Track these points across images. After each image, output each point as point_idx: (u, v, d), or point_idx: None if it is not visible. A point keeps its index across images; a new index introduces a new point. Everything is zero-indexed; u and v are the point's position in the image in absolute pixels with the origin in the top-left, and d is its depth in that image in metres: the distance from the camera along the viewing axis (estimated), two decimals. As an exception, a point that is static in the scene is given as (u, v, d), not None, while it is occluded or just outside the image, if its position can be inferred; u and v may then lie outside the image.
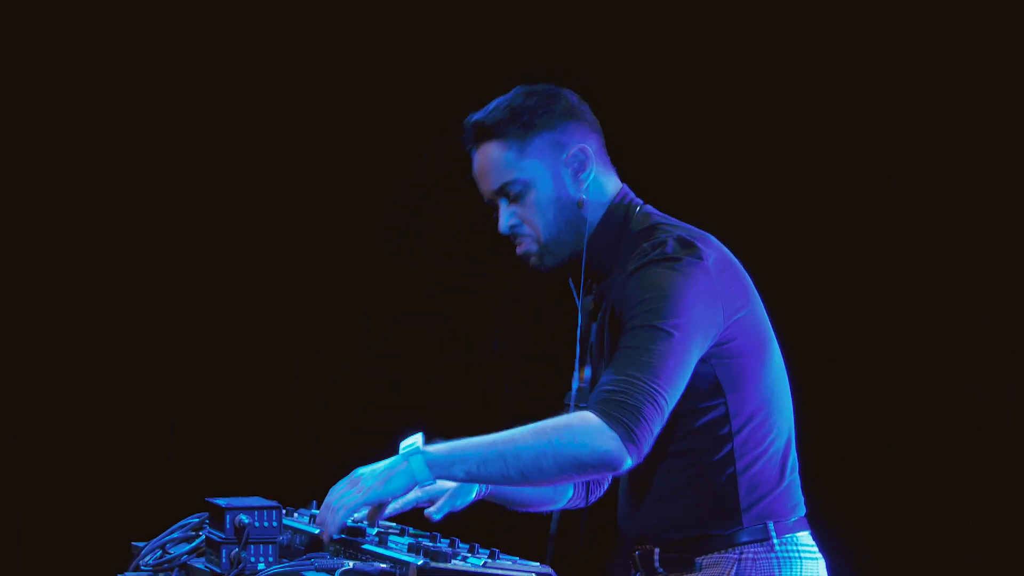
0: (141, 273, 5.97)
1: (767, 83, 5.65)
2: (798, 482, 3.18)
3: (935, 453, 5.55)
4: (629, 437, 2.91)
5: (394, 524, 3.15)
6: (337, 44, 5.98)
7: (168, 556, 3.14)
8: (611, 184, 3.23)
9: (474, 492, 3.32)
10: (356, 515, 2.98)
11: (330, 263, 6.06)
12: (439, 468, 2.96)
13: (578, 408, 3.06)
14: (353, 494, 2.94)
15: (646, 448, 2.94)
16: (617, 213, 3.20)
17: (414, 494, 3.19)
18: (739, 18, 5.67)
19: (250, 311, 6.04)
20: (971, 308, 5.53)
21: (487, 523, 3.76)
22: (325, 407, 6.10)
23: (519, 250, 3.22)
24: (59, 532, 5.95)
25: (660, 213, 3.22)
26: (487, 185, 3.21)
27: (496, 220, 3.22)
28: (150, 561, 3.16)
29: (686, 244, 3.07)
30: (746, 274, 3.16)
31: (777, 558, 3.11)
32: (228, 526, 2.92)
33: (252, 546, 2.91)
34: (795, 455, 3.18)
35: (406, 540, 2.99)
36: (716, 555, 3.11)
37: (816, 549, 3.18)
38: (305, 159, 6.03)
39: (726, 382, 3.08)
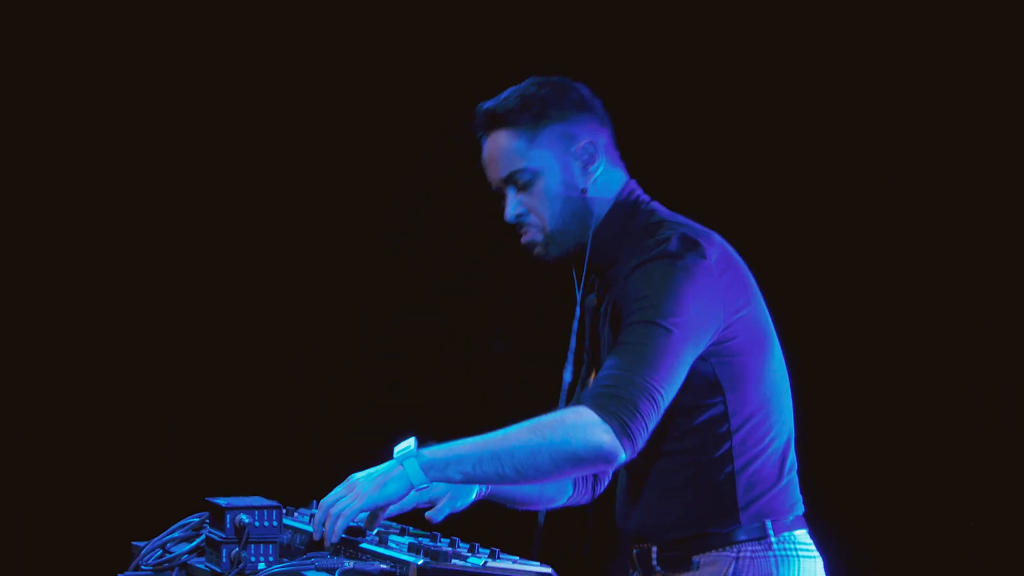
0: (141, 273, 5.98)
1: (770, 83, 5.65)
2: (796, 481, 3.18)
3: (935, 453, 5.55)
4: (623, 431, 2.91)
5: (394, 524, 3.15)
6: (337, 44, 5.98)
7: (168, 556, 3.15)
8: (619, 179, 3.23)
9: (474, 492, 3.31)
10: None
11: (330, 263, 6.06)
12: (435, 471, 2.95)
13: (569, 402, 3.06)
14: (350, 500, 2.94)
15: (641, 442, 2.94)
16: (623, 208, 3.20)
17: (412, 497, 3.19)
18: (747, 17, 5.66)
19: (250, 311, 6.04)
20: (971, 308, 5.53)
21: (487, 523, 3.76)
22: (325, 407, 6.10)
23: (524, 239, 3.22)
24: (59, 532, 5.95)
25: (666, 210, 3.22)
26: (496, 172, 3.21)
27: (503, 209, 3.21)
28: (150, 561, 3.16)
29: (690, 241, 3.07)
30: (749, 273, 3.16)
31: (775, 556, 3.11)
32: (228, 526, 2.92)
33: (252, 546, 2.92)
34: (794, 454, 3.18)
35: (406, 540, 2.99)
36: (714, 553, 3.11)
37: (814, 547, 3.18)
38: (305, 159, 6.03)
39: (725, 380, 3.08)
